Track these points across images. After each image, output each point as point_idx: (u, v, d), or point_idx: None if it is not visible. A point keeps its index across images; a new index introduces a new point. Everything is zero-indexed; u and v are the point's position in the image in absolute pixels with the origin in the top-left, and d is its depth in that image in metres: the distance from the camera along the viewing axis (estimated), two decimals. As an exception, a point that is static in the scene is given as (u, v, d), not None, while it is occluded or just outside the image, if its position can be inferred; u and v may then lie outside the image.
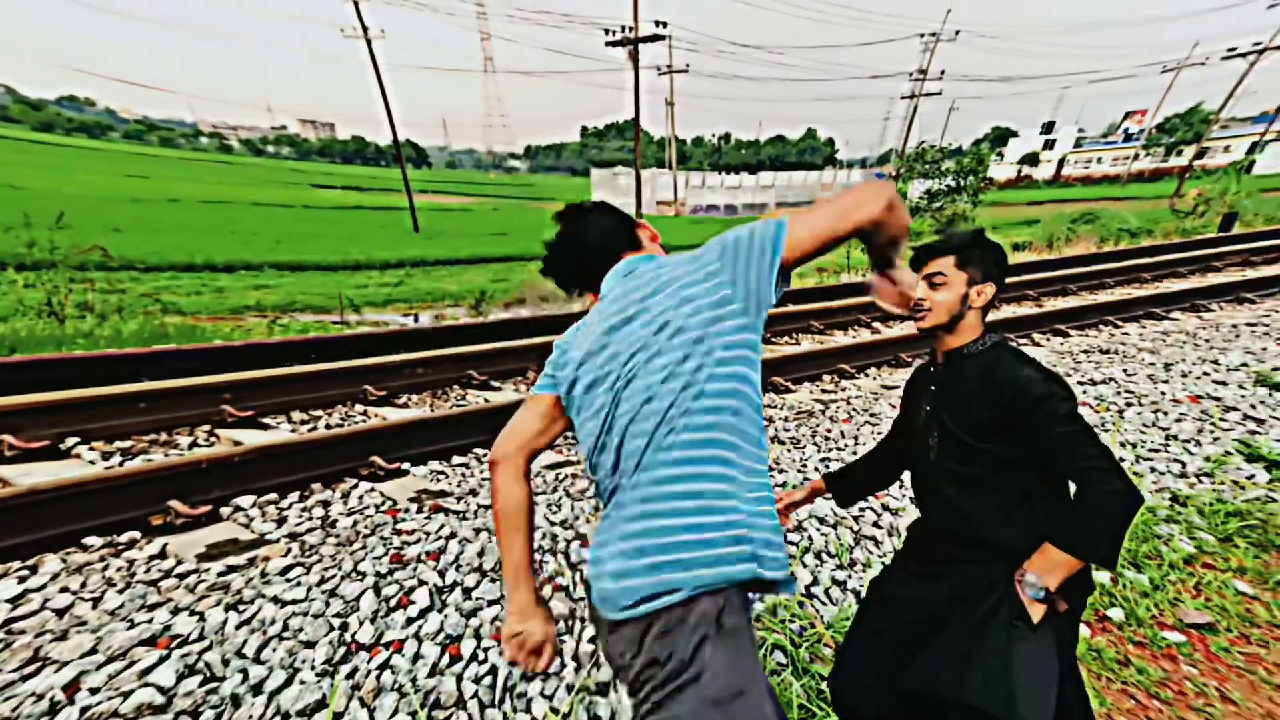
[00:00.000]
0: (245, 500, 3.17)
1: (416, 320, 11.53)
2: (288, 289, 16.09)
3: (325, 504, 3.18)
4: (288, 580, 2.46)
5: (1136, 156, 64.32)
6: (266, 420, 4.29)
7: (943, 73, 37.94)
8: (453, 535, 2.80)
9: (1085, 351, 5.78)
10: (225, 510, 3.11)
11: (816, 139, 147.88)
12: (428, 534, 2.83)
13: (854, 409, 4.52)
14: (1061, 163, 71.95)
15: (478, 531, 2.84)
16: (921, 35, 35.91)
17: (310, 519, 3.02)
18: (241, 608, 2.29)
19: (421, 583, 2.44)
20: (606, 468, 1.21)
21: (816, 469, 3.53)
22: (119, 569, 2.56)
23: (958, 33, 35.58)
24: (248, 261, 20.68)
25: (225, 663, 2.02)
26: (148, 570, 2.55)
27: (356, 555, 2.64)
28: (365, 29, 28.07)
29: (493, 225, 37.77)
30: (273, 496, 3.25)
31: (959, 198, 15.52)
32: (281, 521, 3.01)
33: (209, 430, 4.07)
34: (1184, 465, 3.59)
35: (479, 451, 3.96)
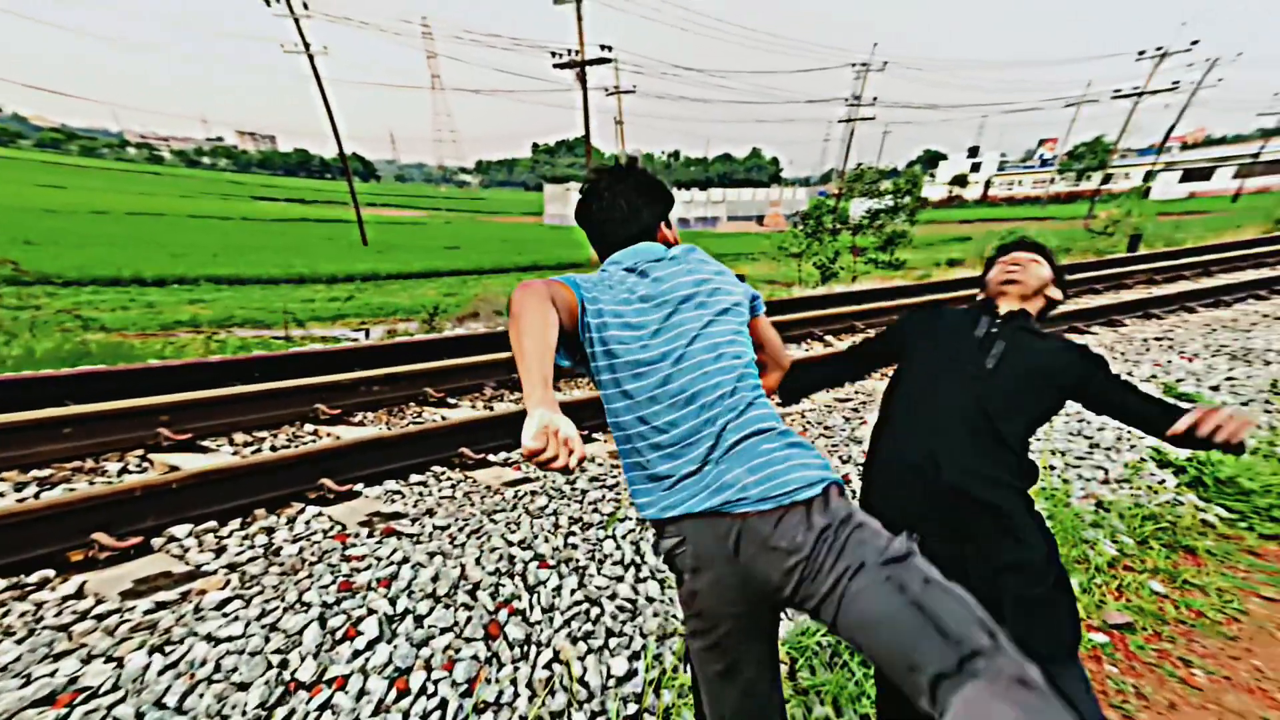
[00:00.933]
0: (181, 530, 2.93)
1: (368, 335, 11.16)
2: (225, 303, 15.35)
3: (269, 531, 2.97)
4: (224, 615, 2.26)
5: (1052, 180, 68.02)
6: (207, 443, 4.02)
7: (875, 99, 39.42)
8: (405, 560, 2.64)
9: (1014, 362, 5.99)
10: (158, 541, 2.85)
11: (762, 158, 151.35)
12: (379, 559, 2.66)
13: (809, 422, 4.53)
14: (988, 184, 75.91)
15: (432, 555, 2.69)
16: (853, 65, 37.79)
17: (252, 547, 2.81)
18: (169, 649, 2.08)
19: (371, 611, 2.27)
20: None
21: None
22: (22, 614, 2.29)
23: (885, 64, 37.50)
24: (181, 275, 19.68)
25: (140, 716, 1.82)
26: (59, 613, 2.29)
27: (302, 585, 2.45)
28: (307, 45, 27.41)
29: (445, 239, 37.14)
30: (212, 524, 3.01)
31: (897, 216, 16.17)
32: (221, 551, 2.79)
33: (142, 455, 3.78)
34: (1106, 472, 3.69)
35: (436, 470, 3.80)
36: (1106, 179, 43.46)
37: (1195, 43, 35.45)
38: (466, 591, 2.45)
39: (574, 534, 2.92)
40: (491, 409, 4.98)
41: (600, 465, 3.82)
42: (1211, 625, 2.46)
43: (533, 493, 3.39)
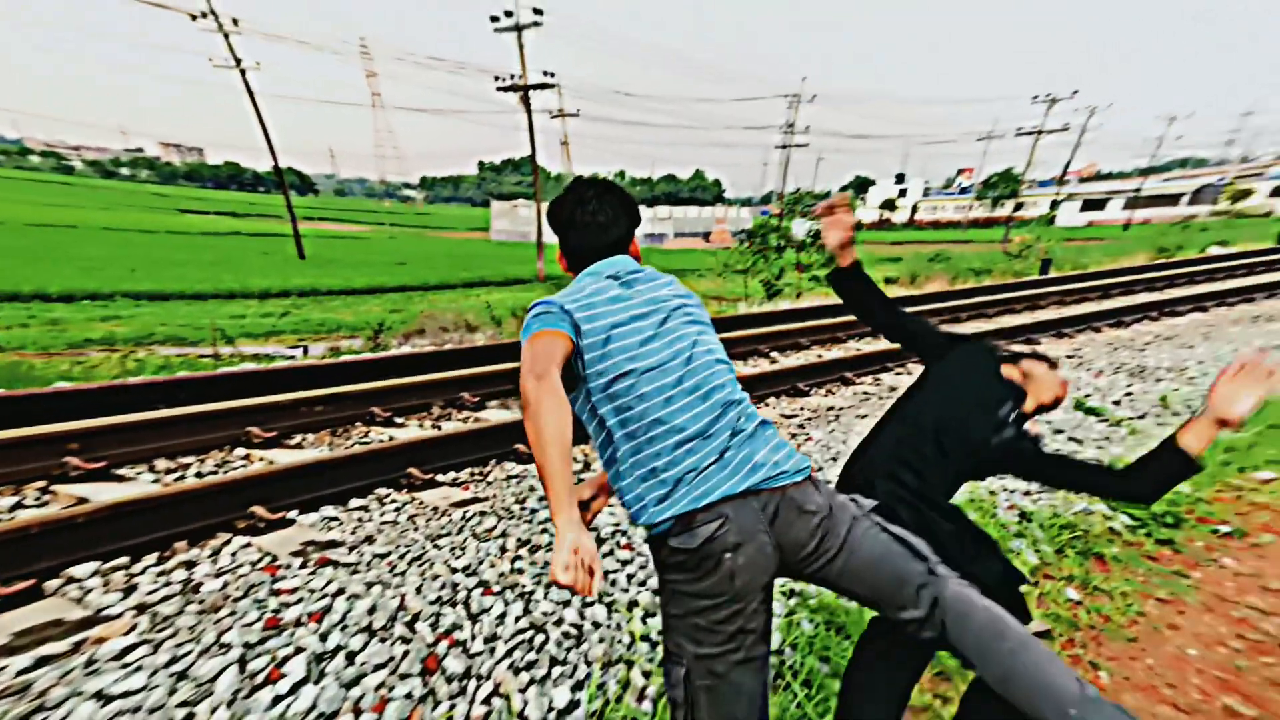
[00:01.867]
0: (84, 569, 2.64)
1: (306, 352, 10.68)
2: (145, 320, 14.26)
3: (190, 565, 2.74)
4: (123, 665, 2.02)
5: (971, 206, 72.01)
6: (124, 472, 3.70)
7: (808, 128, 41.26)
8: (341, 591, 2.48)
9: (948, 380, 6.22)
10: (53, 584, 2.55)
11: (705, 179, 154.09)
12: (311, 592, 2.48)
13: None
14: (914, 209, 79.78)
15: (370, 585, 2.54)
16: (786, 95, 39.84)
17: (169, 585, 2.57)
18: (41, 716, 1.81)
19: (299, 650, 2.11)
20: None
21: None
22: None
23: (814, 96, 39.82)
24: (94, 290, 18.23)
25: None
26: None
27: (222, 624, 2.26)
28: (238, 61, 26.47)
29: (390, 254, 36.12)
30: (123, 561, 2.74)
31: None
32: (130, 591, 2.52)
33: (43, 488, 3.42)
34: (1026, 483, 3.88)
35: (380, 493, 3.61)
36: (1018, 207, 46.72)
37: (1075, 92, 40.47)
38: (405, 623, 2.31)
39: (521, 557, 2.83)
40: (440, 428, 4.82)
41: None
42: (1116, 628, 2.56)
43: (481, 513, 3.27)
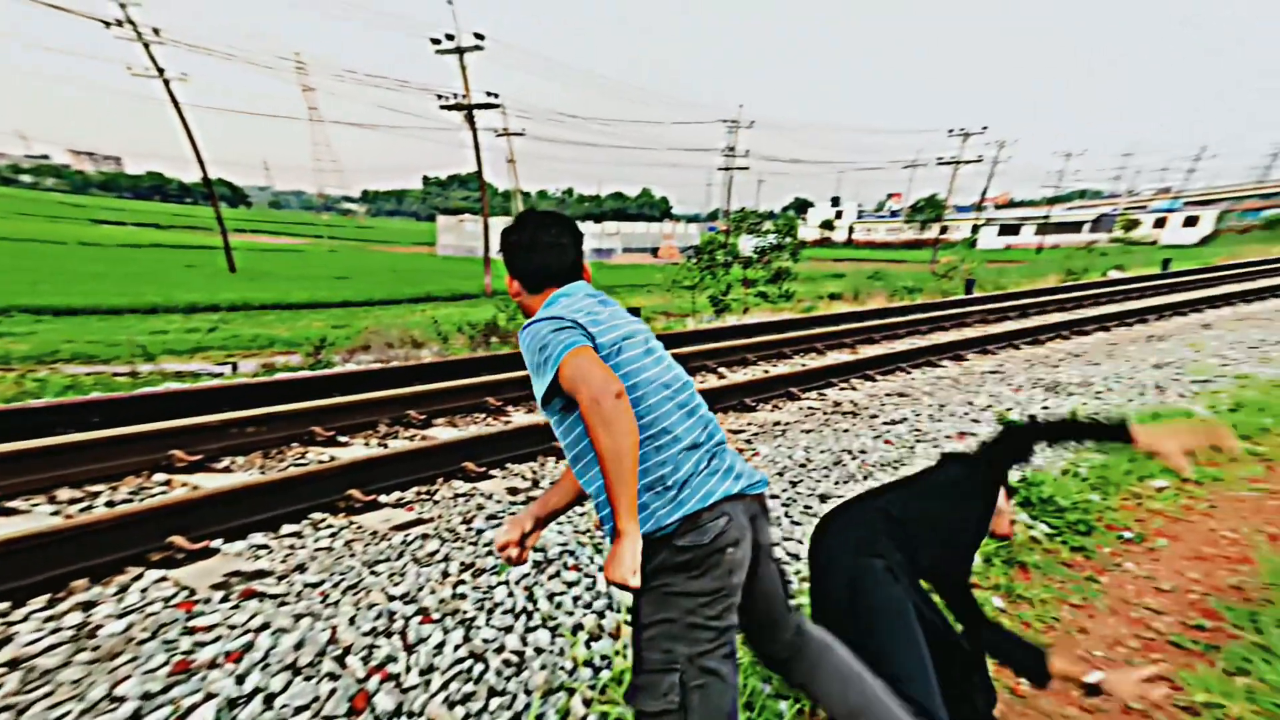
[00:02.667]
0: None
1: (235, 370, 10.16)
2: (47, 337, 13.11)
3: (88, 606, 2.48)
4: None
5: (902, 229, 75.45)
6: (16, 504, 3.37)
7: (747, 151, 42.88)
8: (265, 626, 2.31)
9: (887, 395, 6.35)
10: None
11: (652, 196, 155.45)
12: (232, 628, 2.30)
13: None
14: (851, 229, 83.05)
15: (299, 618, 2.38)
16: (725, 121, 41.44)
17: (59, 630, 2.30)
18: None
19: (209, 696, 1.93)
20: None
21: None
22: None
23: (752, 122, 41.48)
24: (-16, 306, 16.82)
25: None
26: None
27: (120, 672, 2.04)
28: (160, 70, 25.38)
29: (331, 268, 34.86)
30: (2, 607, 2.45)
31: (782, 254, 17.33)
32: (4, 643, 2.23)
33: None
34: None
35: (315, 517, 3.43)
36: (943, 230, 49.46)
37: (985, 128, 44.22)
38: (335, 658, 2.17)
39: (464, 582, 2.74)
40: (386, 446, 4.66)
41: (499, 502, 3.63)
42: (1034, 635, 2.65)
43: (424, 536, 3.15)
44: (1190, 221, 55.05)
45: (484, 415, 5.55)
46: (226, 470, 4.04)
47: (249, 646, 2.20)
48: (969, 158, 44.63)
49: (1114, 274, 21.48)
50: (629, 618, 2.57)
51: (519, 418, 5.51)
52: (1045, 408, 5.68)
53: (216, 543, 3.05)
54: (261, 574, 2.78)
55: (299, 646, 2.21)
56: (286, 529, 3.27)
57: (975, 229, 56.23)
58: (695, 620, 1.36)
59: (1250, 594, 2.93)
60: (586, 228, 54.30)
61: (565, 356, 1.34)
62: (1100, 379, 6.57)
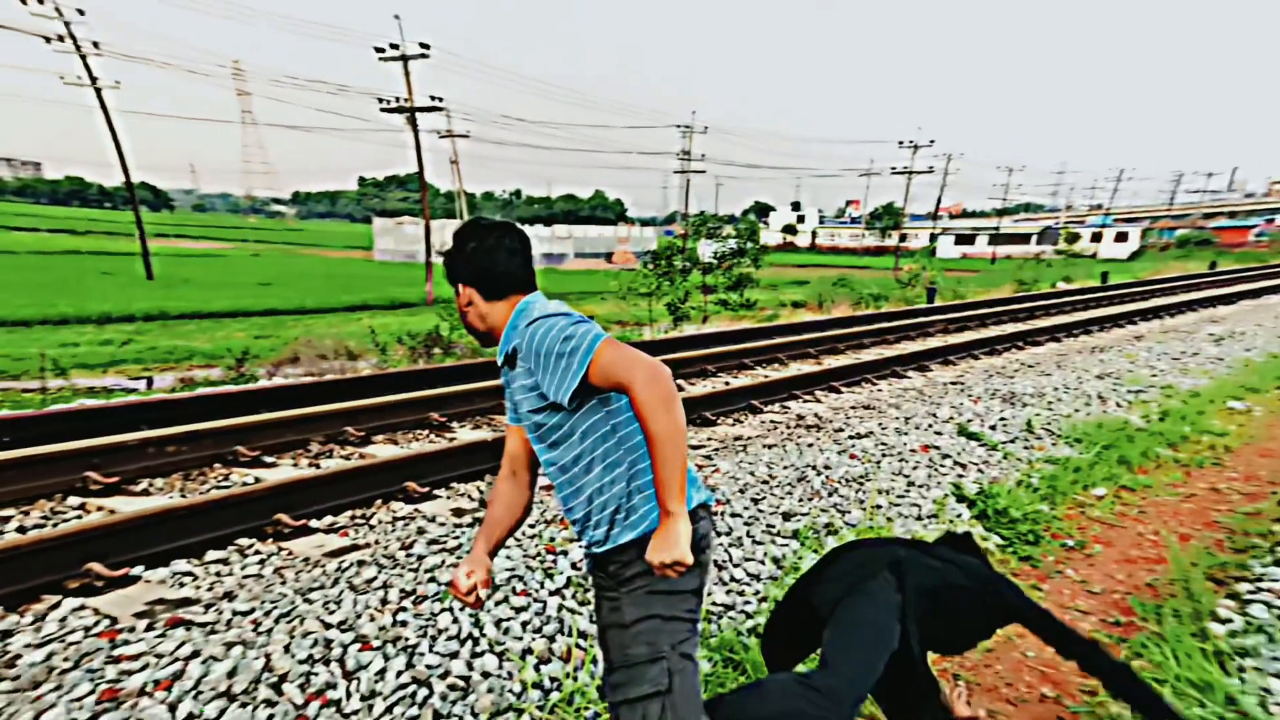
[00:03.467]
0: None
1: (150, 385, 9.82)
2: (-63, 351, 12.59)
3: (4, 635, 2.45)
4: None
5: (864, 235, 78.00)
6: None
7: (703, 156, 44.47)
8: (195, 654, 2.32)
9: (853, 407, 6.55)
10: None
11: (606, 199, 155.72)
12: (159, 657, 2.31)
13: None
14: (814, 234, 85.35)
15: (230, 646, 2.39)
16: (679, 126, 42.69)
17: None
18: None
19: None
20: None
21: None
22: None
23: (706, 128, 42.83)
24: None
25: None
26: None
27: (44, 701, 2.05)
28: (94, 79, 24.92)
29: (255, 273, 33.83)
30: None
31: (744, 259, 17.60)
32: None
33: None
34: (919, 508, 4.16)
35: (242, 543, 3.41)
36: (903, 238, 51.60)
37: (932, 141, 47.98)
38: (271, 685, 2.21)
39: (405, 609, 2.77)
40: (319, 466, 4.61)
41: (442, 526, 3.65)
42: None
43: (360, 563, 3.16)
44: (1121, 237, 61.63)
45: (427, 432, 5.55)
46: (145, 493, 3.97)
47: (179, 674, 2.22)
48: (920, 169, 48.55)
49: (1062, 285, 22.71)
50: (578, 640, 2.65)
51: (465, 434, 5.53)
52: (1002, 419, 5.99)
53: (137, 569, 3.02)
54: (187, 602, 2.77)
55: (232, 674, 2.24)
56: (212, 555, 3.25)
57: (933, 237, 59.82)
58: (678, 614, 1.52)
59: (1160, 591, 3.28)
60: (536, 231, 54.13)
61: (600, 346, 1.39)
62: (1052, 389, 6.99)
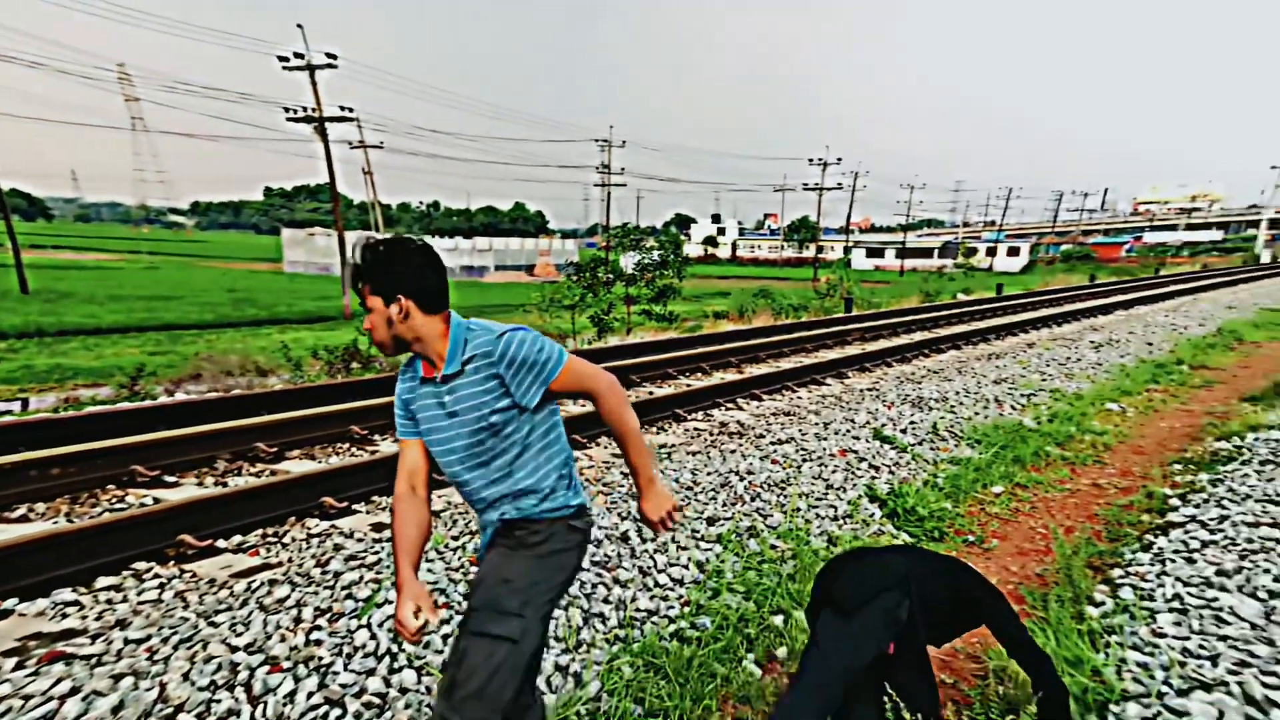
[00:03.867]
0: None
1: (26, 406, 9.01)
2: None
3: None
4: None
5: (782, 247, 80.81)
6: None
7: (623, 169, 45.31)
8: (75, 691, 2.14)
9: (774, 414, 6.73)
10: None
11: (527, 210, 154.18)
12: (27, 698, 2.12)
13: (587, 480, 4.56)
14: (735, 246, 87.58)
15: (117, 679, 2.22)
16: (597, 140, 43.87)
17: None
18: None
19: None
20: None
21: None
22: None
23: (624, 142, 44.20)
24: None
25: None
26: None
27: None
28: None
29: (150, 287, 31.54)
30: None
31: (667, 271, 17.83)
32: None
33: None
34: (836, 509, 4.31)
35: (139, 567, 3.18)
36: (819, 250, 53.79)
37: (839, 159, 51.54)
38: (163, 717, 2.08)
39: (320, 627, 2.66)
40: (226, 485, 4.35)
41: (360, 541, 3.51)
42: None
43: (271, 582, 3.00)
44: (1014, 252, 66.77)
45: (347, 445, 5.35)
46: (24, 519, 3.63)
47: (51, 715, 2.04)
48: (829, 185, 51.86)
49: (962, 296, 24.28)
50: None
51: (386, 446, 5.35)
52: (912, 422, 6.33)
53: (9, 603, 2.75)
54: (70, 634, 2.56)
55: (119, 709, 2.08)
56: (103, 582, 3.01)
57: (847, 250, 63.42)
58: (551, 591, 1.71)
59: (1047, 579, 3.54)
60: (456, 243, 53.01)
61: (568, 359, 1.69)
62: (953, 393, 7.44)
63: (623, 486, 4.38)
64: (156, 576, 3.11)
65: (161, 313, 22.07)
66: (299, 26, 23.64)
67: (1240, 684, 2.22)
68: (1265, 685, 2.21)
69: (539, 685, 2.08)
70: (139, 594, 2.92)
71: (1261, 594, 2.85)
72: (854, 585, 1.98)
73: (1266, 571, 3.04)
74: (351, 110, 26.20)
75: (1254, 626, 2.62)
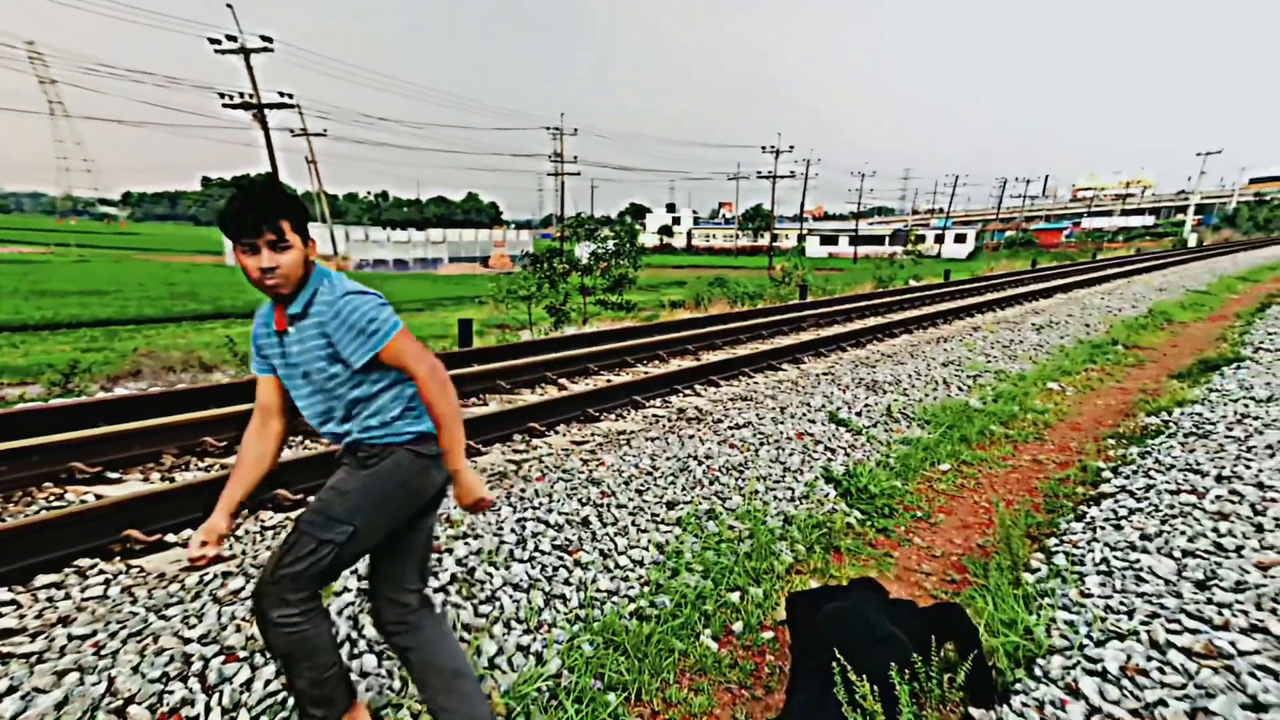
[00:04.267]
0: None
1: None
2: None
3: None
4: None
5: (737, 236, 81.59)
6: None
7: (575, 158, 44.72)
8: (12, 690, 2.10)
9: (731, 399, 6.82)
10: None
11: (480, 201, 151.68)
12: (-38, 698, 2.05)
13: (547, 466, 4.57)
14: (690, 235, 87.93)
15: (61, 675, 2.18)
16: (549, 128, 43.69)
17: None
18: None
19: None
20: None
21: (513, 530, 3.49)
22: None
23: (575, 130, 44.06)
24: None
25: None
26: None
27: None
28: None
29: (80, 281, 30.05)
30: None
31: (623, 261, 17.79)
32: None
33: None
34: (793, 491, 4.43)
35: (82, 564, 3.09)
36: (774, 238, 54.50)
37: (791, 147, 52.96)
38: (112, 710, 2.05)
39: (274, 617, 2.64)
40: (173, 480, 4.24)
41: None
42: None
43: (225, 574, 2.96)
44: (960, 239, 69.09)
45: (300, 438, 5.25)
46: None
47: (-6, 713, 1.98)
48: (783, 173, 51.98)
49: (913, 282, 24.96)
50: (462, 634, 2.65)
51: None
52: (866, 405, 6.53)
53: (-58, 605, 2.65)
54: (8, 633, 2.48)
55: (62, 705, 2.04)
56: (42, 580, 2.92)
57: (801, 238, 64.00)
58: (390, 507, 1.83)
59: (989, 550, 3.75)
60: (409, 235, 51.91)
61: (396, 334, 1.76)
62: (906, 376, 7.69)
63: (582, 473, 4.43)
64: (102, 573, 3.02)
65: (95, 308, 21.04)
66: (229, 6, 22.62)
67: (1149, 632, 2.42)
68: (1168, 631, 2.41)
69: (437, 601, 2.51)
70: (83, 590, 2.84)
71: (1176, 554, 3.08)
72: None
73: (1183, 534, 3.27)
74: (291, 96, 25.32)
75: (1167, 583, 2.83)
